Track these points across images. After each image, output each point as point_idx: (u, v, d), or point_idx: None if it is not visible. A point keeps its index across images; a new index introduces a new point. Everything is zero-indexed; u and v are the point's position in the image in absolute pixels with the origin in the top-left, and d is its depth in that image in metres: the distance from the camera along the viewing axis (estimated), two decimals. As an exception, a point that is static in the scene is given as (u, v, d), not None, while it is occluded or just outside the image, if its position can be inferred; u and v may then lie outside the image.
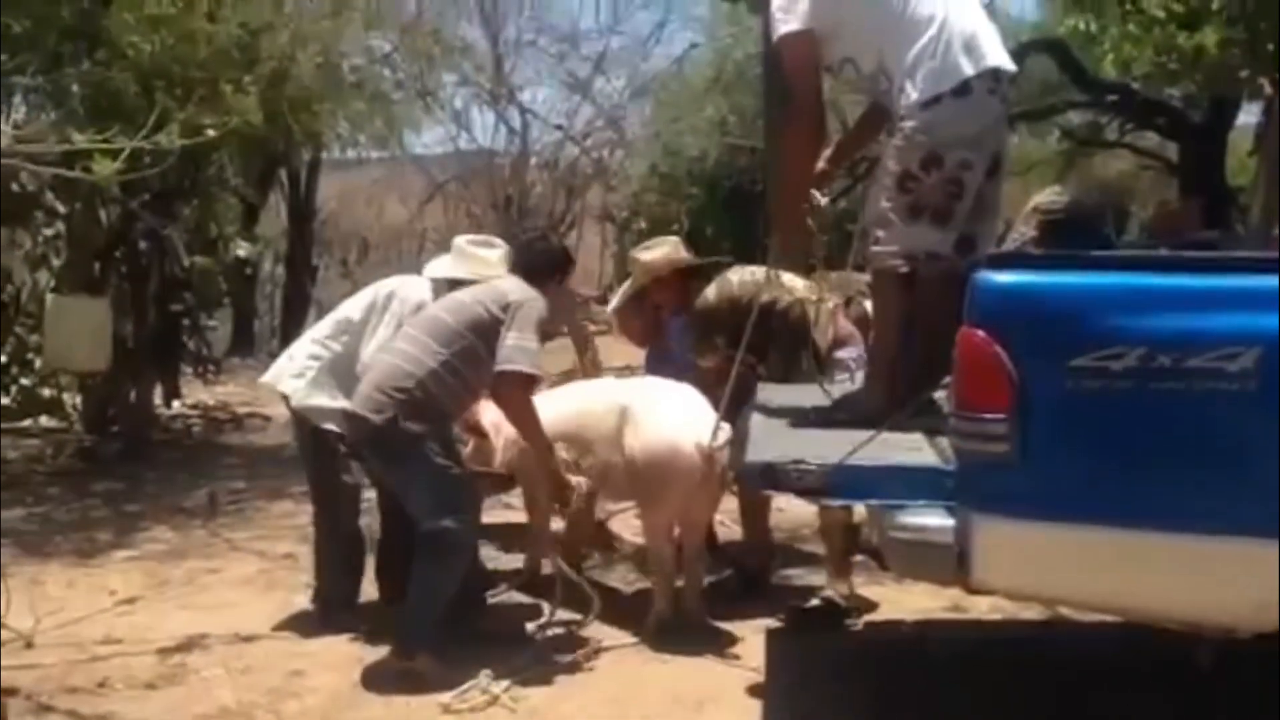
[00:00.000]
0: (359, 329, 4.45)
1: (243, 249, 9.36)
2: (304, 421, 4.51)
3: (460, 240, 4.67)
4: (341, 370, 4.39)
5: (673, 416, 4.19)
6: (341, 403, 4.24)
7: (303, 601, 4.86)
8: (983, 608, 4.44)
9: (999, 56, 3.45)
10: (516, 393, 3.97)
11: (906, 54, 3.41)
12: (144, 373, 8.29)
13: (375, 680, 3.98)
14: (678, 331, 5.09)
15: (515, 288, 4.05)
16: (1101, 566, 2.70)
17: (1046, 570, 2.76)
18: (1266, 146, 8.29)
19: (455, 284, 4.34)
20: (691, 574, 4.40)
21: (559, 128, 13.99)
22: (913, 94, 3.40)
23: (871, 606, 4.59)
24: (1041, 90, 17.34)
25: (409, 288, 4.51)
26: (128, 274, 8.27)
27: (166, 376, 9.24)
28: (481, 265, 4.41)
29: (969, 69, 3.38)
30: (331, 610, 4.52)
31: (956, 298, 2.83)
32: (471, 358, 3.94)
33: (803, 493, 3.02)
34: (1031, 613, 4.32)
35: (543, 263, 4.28)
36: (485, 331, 3.93)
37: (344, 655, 4.22)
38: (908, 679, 3.84)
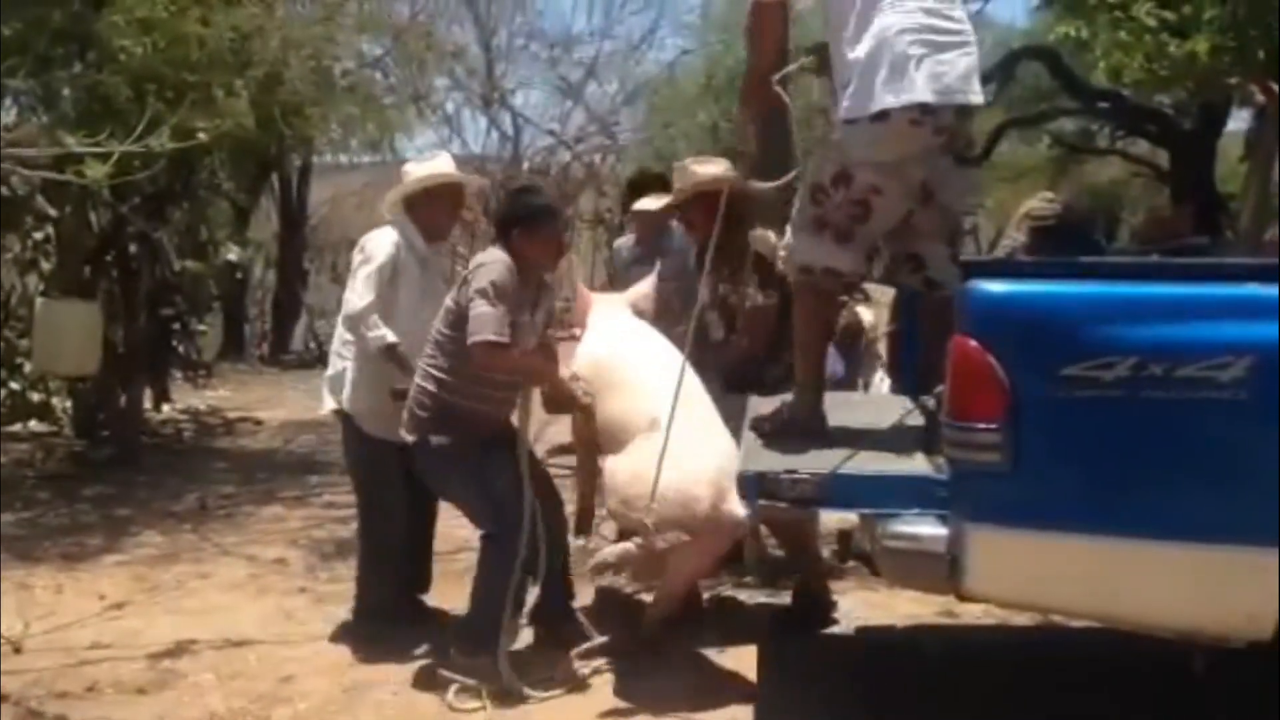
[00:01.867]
0: None
1: (233, 253, 9.35)
2: (355, 429, 4.45)
3: (407, 165, 4.65)
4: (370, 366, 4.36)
5: (701, 462, 3.71)
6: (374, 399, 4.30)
7: (293, 605, 4.86)
8: (974, 613, 4.45)
9: (937, 90, 3.21)
10: (492, 362, 3.85)
11: (844, 68, 3.34)
12: (134, 377, 8.26)
13: (367, 686, 3.97)
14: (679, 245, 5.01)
15: (476, 260, 4.03)
16: (1094, 575, 2.71)
17: (1039, 579, 2.78)
18: (1258, 153, 8.32)
19: (416, 210, 4.37)
20: (657, 602, 4.19)
21: (551, 133, 13.99)
22: (840, 111, 3.34)
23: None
24: (1032, 97, 17.41)
25: (372, 243, 4.40)
26: (118, 278, 8.23)
27: (156, 381, 9.21)
28: (429, 176, 4.42)
29: (889, 99, 3.21)
30: (372, 621, 4.44)
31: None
32: (464, 350, 3.89)
33: (796, 502, 3.03)
34: (1023, 618, 4.33)
35: (502, 213, 4.16)
36: (456, 320, 3.91)
37: (335, 661, 4.21)
38: (899, 684, 3.84)
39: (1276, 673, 2.75)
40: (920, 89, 3.20)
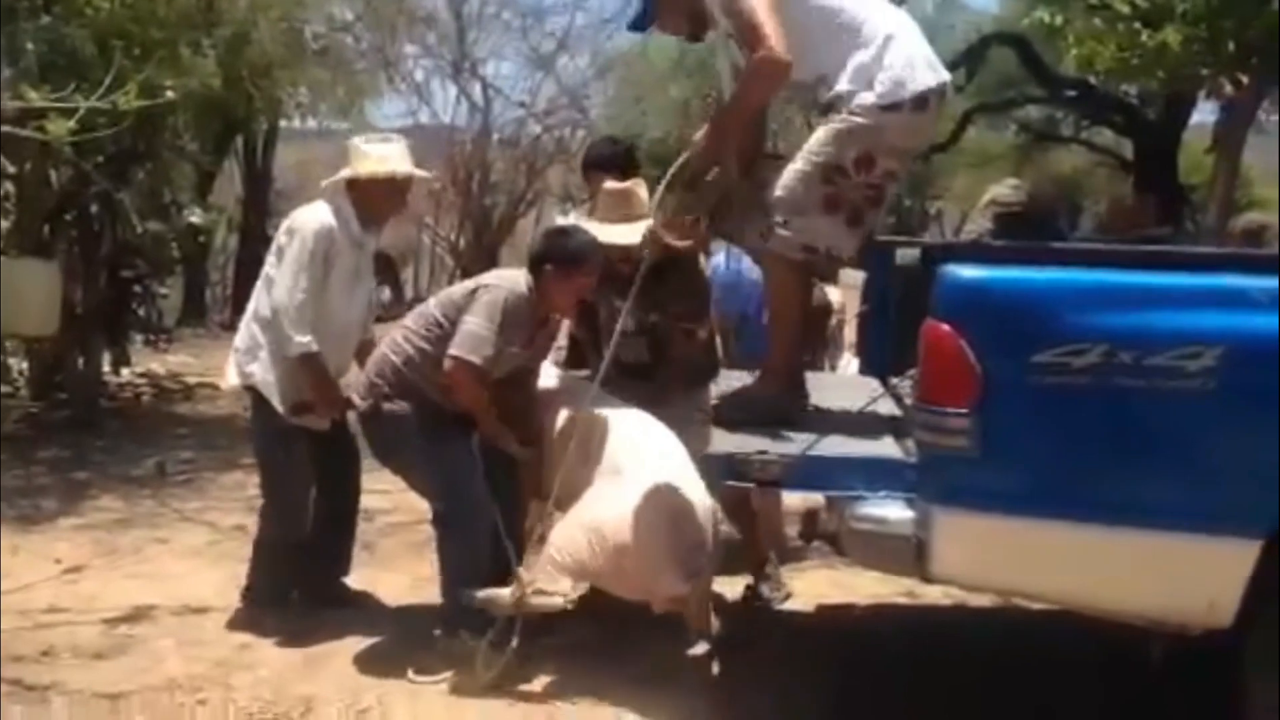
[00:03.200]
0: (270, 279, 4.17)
1: (197, 216, 9.19)
2: (268, 408, 4.18)
3: (355, 140, 4.33)
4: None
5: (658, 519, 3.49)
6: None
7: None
8: (934, 594, 4.49)
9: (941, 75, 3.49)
10: (458, 379, 3.74)
11: (852, 58, 3.40)
12: (93, 339, 8.14)
13: (326, 653, 3.95)
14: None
15: (498, 277, 3.92)
16: (1058, 561, 2.74)
17: (1004, 563, 2.80)
18: (1226, 145, 8.42)
19: (358, 192, 4.14)
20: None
21: (521, 104, 13.88)
22: (869, 97, 3.38)
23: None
24: (1001, 83, 17.51)
25: (303, 223, 4.13)
26: (78, 238, 8.10)
27: (116, 343, 9.07)
28: (371, 160, 4.15)
29: (931, 80, 3.41)
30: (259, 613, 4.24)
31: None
32: (447, 344, 3.79)
33: (765, 483, 3.04)
34: (983, 600, 4.37)
35: (539, 249, 3.96)
36: (455, 316, 3.81)
37: (295, 628, 4.18)
38: (860, 662, 3.88)
39: (1231, 660, 2.79)
40: (940, 69, 3.45)
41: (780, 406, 3.45)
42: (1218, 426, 2.64)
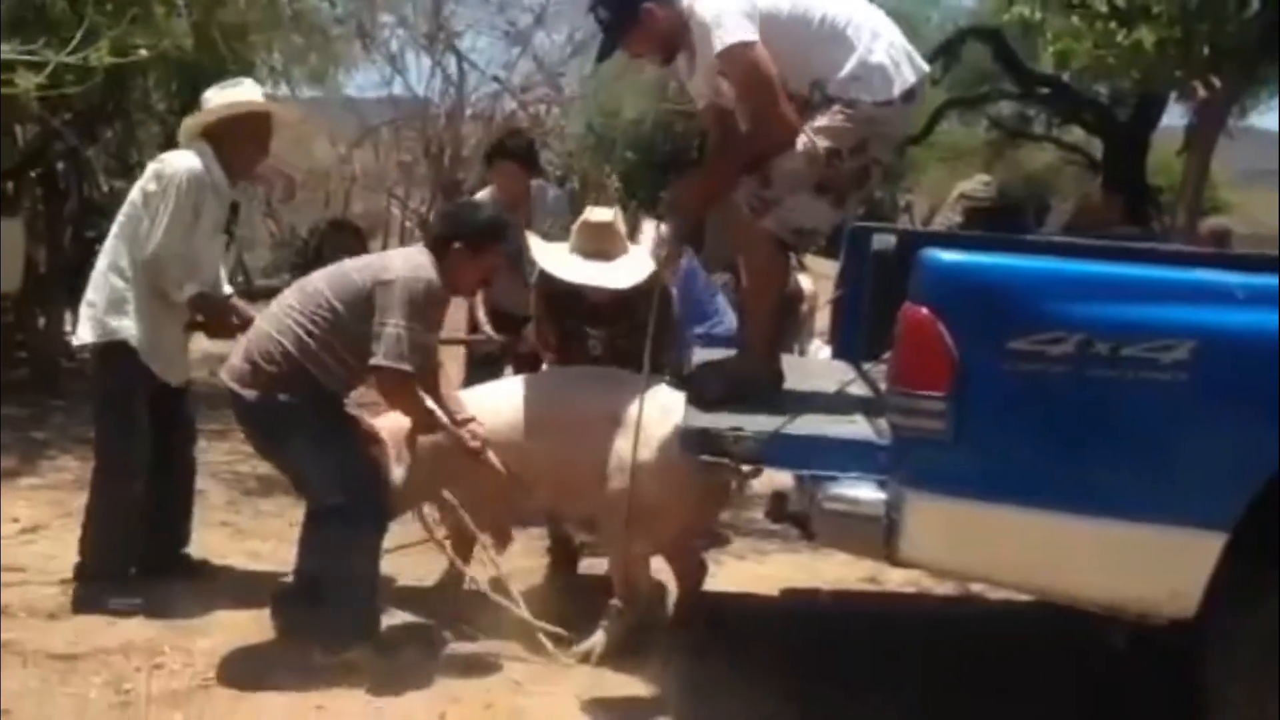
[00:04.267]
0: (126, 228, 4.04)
1: (165, 177, 9.09)
2: (124, 363, 4.02)
3: (208, 92, 4.22)
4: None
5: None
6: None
7: (213, 539, 4.77)
8: (897, 580, 4.53)
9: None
10: (391, 389, 3.58)
11: (844, 59, 3.43)
12: (55, 298, 8.03)
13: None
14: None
15: (401, 261, 3.65)
16: (1027, 547, 2.76)
17: (973, 548, 2.82)
18: (1197, 146, 8.51)
19: (217, 141, 4.05)
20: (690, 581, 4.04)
21: (496, 79, 13.76)
22: (865, 96, 3.42)
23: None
24: (975, 78, 17.59)
25: (172, 170, 3.98)
26: (44, 195, 7.98)
27: (78, 303, 8.95)
28: (225, 97, 4.10)
29: (914, 75, 3.48)
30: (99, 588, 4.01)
31: None
32: (344, 334, 3.57)
33: (738, 460, 3.04)
34: (946, 587, 4.41)
35: (445, 226, 3.81)
36: (356, 307, 3.55)
37: (257, 594, 4.14)
38: (823, 646, 3.90)
39: (1193, 649, 2.82)
40: (919, 61, 3.53)
41: (758, 383, 3.45)
42: (1187, 419, 2.66)
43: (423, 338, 3.57)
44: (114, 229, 4.12)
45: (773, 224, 3.44)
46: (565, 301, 4.17)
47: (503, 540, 4.20)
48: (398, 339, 3.49)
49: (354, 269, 3.70)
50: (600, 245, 3.99)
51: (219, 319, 4.17)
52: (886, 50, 3.45)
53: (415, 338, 3.52)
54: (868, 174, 3.49)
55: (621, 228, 4.11)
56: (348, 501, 3.56)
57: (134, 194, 4.09)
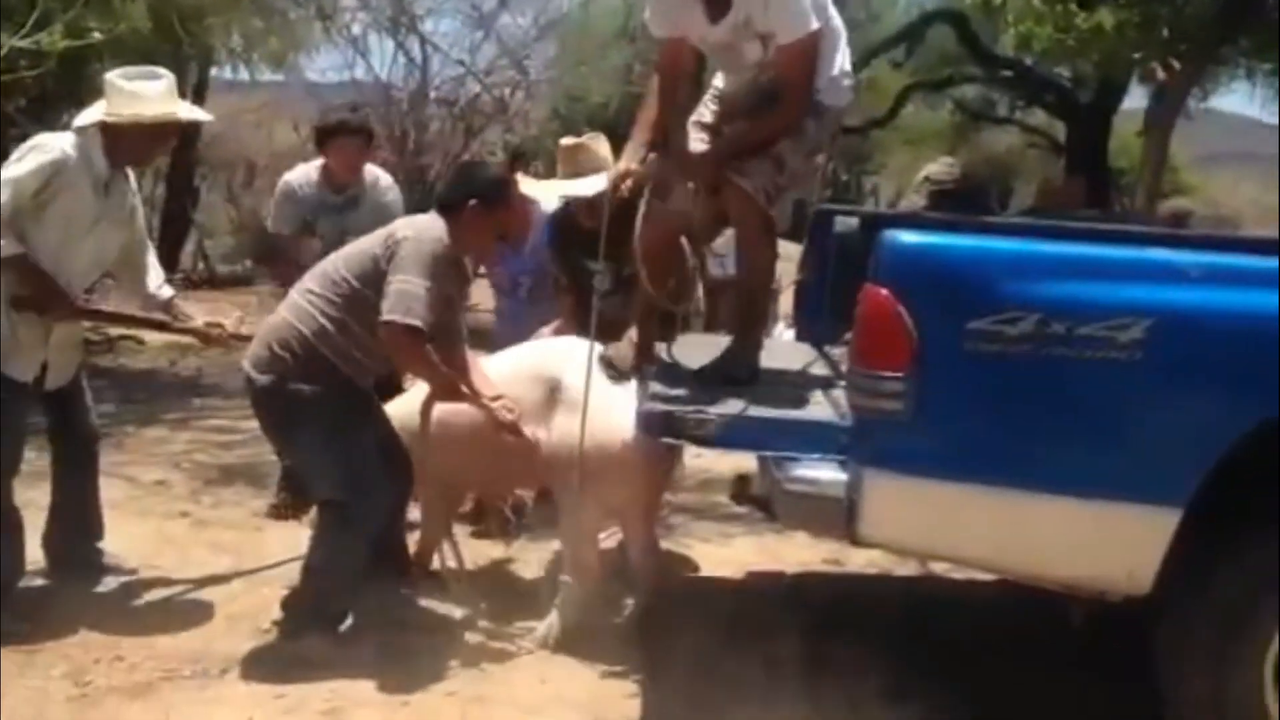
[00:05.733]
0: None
1: (122, 164, 8.98)
2: None
3: (113, 74, 3.82)
4: None
5: (622, 401, 3.53)
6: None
7: (173, 529, 4.73)
8: (859, 562, 4.55)
9: None
10: (400, 346, 3.48)
11: (830, 60, 3.51)
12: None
13: (250, 614, 3.89)
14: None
15: (407, 223, 3.64)
16: (986, 525, 2.78)
17: (932, 527, 2.83)
18: (1156, 129, 8.57)
19: (112, 133, 3.71)
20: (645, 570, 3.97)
21: (460, 63, 13.68)
22: (843, 96, 3.57)
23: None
24: (939, 61, 17.65)
25: (45, 138, 3.75)
26: (-2, 182, 7.85)
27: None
28: (136, 101, 3.70)
29: (849, 90, 3.63)
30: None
31: None
32: (359, 309, 3.52)
33: (701, 442, 3.05)
34: (906, 568, 4.44)
35: (459, 186, 3.72)
36: (370, 278, 3.50)
37: (222, 588, 4.12)
38: (787, 628, 3.91)
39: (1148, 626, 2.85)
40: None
41: (755, 369, 3.46)
42: (1143, 398, 2.68)
43: (435, 296, 3.46)
44: None
45: (776, 213, 3.52)
46: (568, 238, 4.29)
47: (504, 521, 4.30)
48: (404, 294, 3.40)
49: (366, 242, 3.66)
50: (573, 167, 4.20)
51: (45, 291, 3.67)
52: (844, 55, 3.56)
53: (426, 294, 3.42)
54: (816, 170, 3.72)
55: (597, 147, 4.29)
56: (342, 499, 3.55)
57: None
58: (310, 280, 3.69)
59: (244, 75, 10.71)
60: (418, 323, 3.42)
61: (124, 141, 3.76)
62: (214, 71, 12.47)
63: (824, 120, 3.54)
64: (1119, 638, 3.12)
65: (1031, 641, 3.70)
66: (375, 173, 5.05)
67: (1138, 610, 2.80)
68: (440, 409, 3.75)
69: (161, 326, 4.27)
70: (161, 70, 3.90)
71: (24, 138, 7.45)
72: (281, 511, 4.79)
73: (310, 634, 3.58)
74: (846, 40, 3.58)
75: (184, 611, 3.94)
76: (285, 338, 3.57)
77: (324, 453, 3.57)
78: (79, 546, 4.14)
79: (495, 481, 4.19)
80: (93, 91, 8.39)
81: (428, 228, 3.57)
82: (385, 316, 3.43)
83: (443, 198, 3.75)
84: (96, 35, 5.57)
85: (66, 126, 8.17)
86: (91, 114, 3.77)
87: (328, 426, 3.54)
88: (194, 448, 6.12)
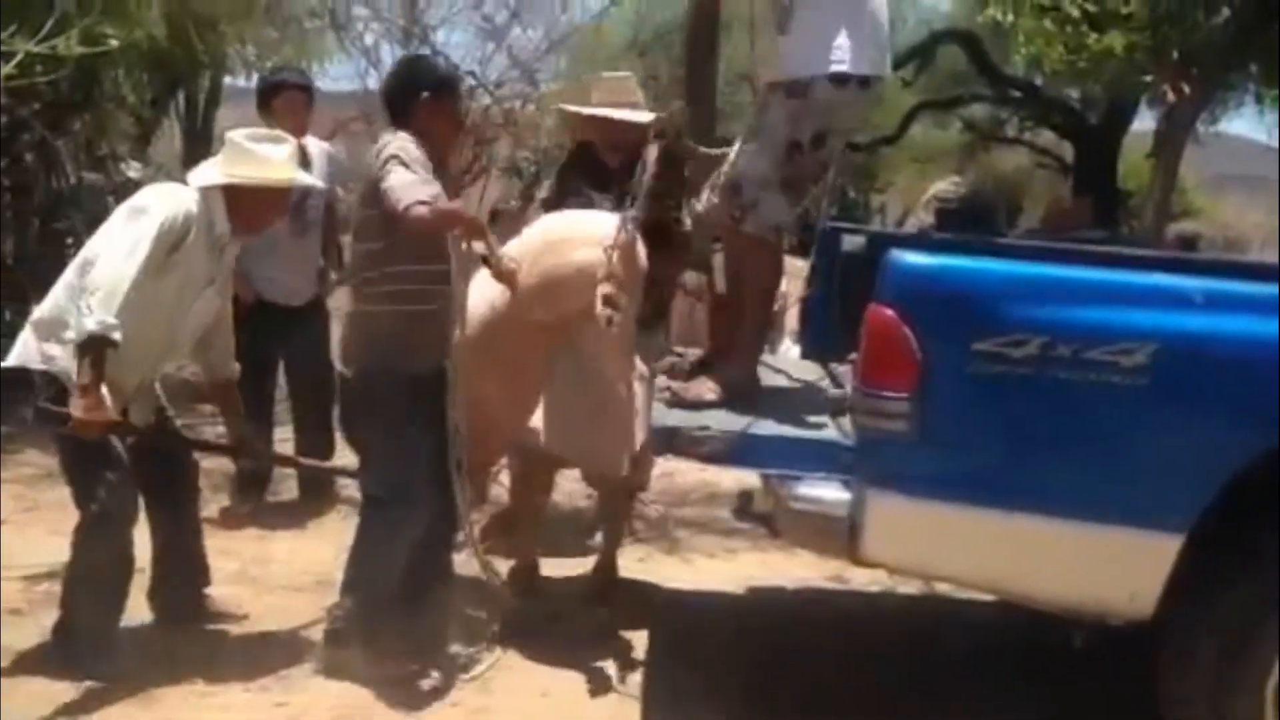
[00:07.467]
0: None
1: (135, 170, 9.00)
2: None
3: (237, 135, 3.70)
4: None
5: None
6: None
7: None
8: (862, 579, 4.55)
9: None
10: (422, 221, 3.28)
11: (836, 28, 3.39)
12: (22, 291, 7.94)
13: (257, 619, 3.93)
14: None
15: (380, 142, 3.51)
16: (989, 547, 2.78)
17: (935, 548, 2.84)
18: (1165, 150, 8.58)
19: (234, 195, 3.58)
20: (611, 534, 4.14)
21: (471, 75, 13.71)
22: (823, 73, 3.36)
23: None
24: (949, 80, 17.69)
25: (158, 197, 3.56)
26: (11, 186, 7.89)
27: (43, 295, 8.86)
28: (262, 165, 3.61)
29: (881, 68, 3.47)
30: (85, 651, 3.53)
31: None
32: (386, 230, 3.44)
33: (705, 459, 3.05)
34: (909, 586, 4.44)
35: (401, 83, 3.63)
36: (374, 198, 3.43)
37: (235, 592, 4.13)
38: (788, 644, 3.92)
39: (1151, 650, 2.86)
40: (886, 64, 3.51)
41: (750, 385, 3.47)
42: (1146, 423, 2.69)
43: (426, 181, 3.34)
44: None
45: (752, 227, 3.46)
46: (583, 167, 4.31)
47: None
48: (400, 184, 3.29)
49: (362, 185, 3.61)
50: (617, 97, 4.23)
51: (91, 389, 3.30)
52: (866, 26, 3.40)
53: (416, 178, 3.32)
54: (825, 167, 3.54)
55: (637, 89, 4.34)
56: (387, 499, 3.54)
57: (109, 224, 3.58)
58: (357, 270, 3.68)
59: (256, 82, 10.72)
60: (424, 196, 3.29)
61: (244, 204, 3.63)
62: (227, 80, 12.48)
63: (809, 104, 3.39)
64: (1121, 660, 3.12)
65: (1033, 660, 3.70)
66: (318, 143, 5.23)
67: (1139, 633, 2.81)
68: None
69: (231, 452, 4.11)
70: (285, 134, 3.89)
71: (40, 143, 7.57)
72: (231, 520, 4.62)
73: (349, 639, 3.55)
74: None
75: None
76: (352, 323, 3.65)
77: (385, 443, 3.54)
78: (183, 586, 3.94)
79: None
80: (107, 97, 8.48)
81: (391, 141, 3.45)
82: (397, 207, 3.28)
83: (392, 106, 3.64)
84: (113, 42, 5.60)
85: (81, 132, 8.29)
86: (210, 173, 3.64)
87: (394, 415, 3.48)
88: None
